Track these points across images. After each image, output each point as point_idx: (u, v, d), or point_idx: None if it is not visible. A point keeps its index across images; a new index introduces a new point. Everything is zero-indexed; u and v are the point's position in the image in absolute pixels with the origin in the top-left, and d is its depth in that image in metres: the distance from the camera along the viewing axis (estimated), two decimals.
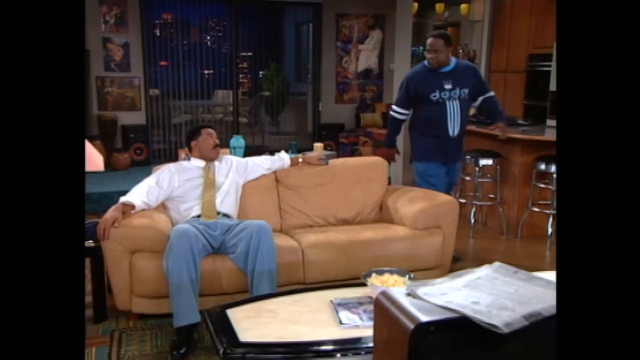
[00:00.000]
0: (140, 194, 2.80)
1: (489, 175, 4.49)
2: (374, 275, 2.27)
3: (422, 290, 1.13)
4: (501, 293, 1.13)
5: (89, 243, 2.61)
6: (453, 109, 3.43)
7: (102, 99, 6.22)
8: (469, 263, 3.87)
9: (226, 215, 2.93)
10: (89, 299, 2.79)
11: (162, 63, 7.33)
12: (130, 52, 6.24)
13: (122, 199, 2.74)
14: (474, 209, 4.50)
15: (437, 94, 3.40)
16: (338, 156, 6.51)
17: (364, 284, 2.24)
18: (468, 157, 4.41)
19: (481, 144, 4.59)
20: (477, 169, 4.40)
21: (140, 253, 2.60)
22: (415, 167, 3.64)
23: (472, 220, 4.47)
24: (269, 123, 8.75)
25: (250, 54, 8.82)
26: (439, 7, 5.78)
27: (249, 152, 7.26)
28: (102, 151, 5.90)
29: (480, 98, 3.61)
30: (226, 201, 2.98)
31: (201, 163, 3.04)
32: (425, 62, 3.48)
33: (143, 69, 6.38)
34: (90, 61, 6.04)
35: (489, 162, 4.32)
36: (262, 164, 3.27)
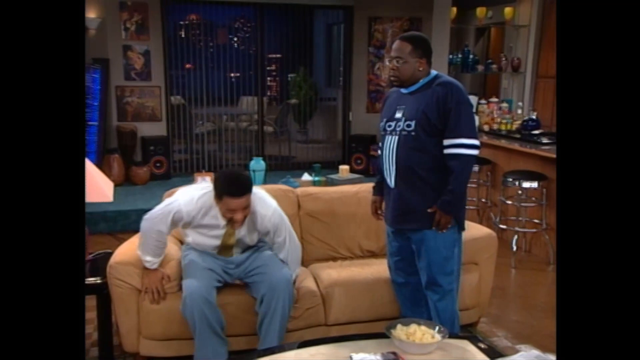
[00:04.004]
0: (155, 253, 2.52)
1: (533, 199, 4.31)
2: (399, 327, 2.16)
3: None
4: None
5: (96, 279, 2.59)
6: (389, 147, 2.48)
7: (121, 110, 6.30)
8: (510, 299, 3.71)
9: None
10: (95, 336, 2.79)
11: (187, 66, 7.40)
12: (151, 60, 6.30)
13: (145, 264, 2.51)
14: (516, 236, 4.32)
15: (384, 123, 2.54)
16: (369, 171, 6.46)
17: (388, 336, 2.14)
18: (510, 179, 4.24)
19: (525, 164, 4.41)
20: (519, 191, 4.23)
21: None
22: None
23: (514, 248, 4.29)
24: (297, 130, 8.72)
25: (279, 55, 8.83)
26: (480, 11, 5.61)
27: (275, 163, 7.24)
28: (120, 165, 5.98)
29: (446, 143, 2.38)
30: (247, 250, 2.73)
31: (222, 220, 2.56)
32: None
33: (164, 77, 6.43)
34: (110, 70, 6.12)
35: (534, 184, 4.14)
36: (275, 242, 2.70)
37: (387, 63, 2.54)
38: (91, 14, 5.96)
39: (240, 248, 2.67)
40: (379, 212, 2.76)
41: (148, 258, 2.50)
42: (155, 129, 6.39)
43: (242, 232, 2.57)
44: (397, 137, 2.45)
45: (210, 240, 2.58)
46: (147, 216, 2.52)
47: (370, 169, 6.59)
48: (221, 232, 2.55)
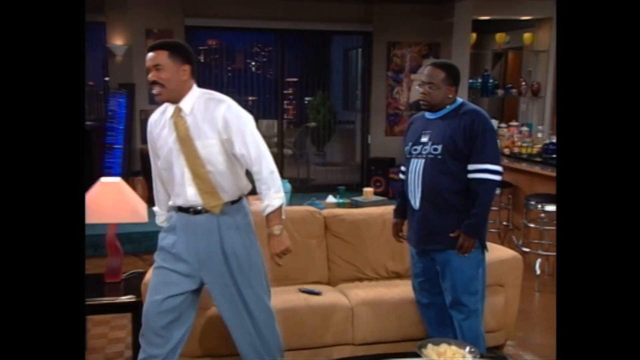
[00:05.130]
0: (159, 200, 2.44)
1: (555, 222, 4.34)
2: (430, 346, 2.21)
3: None
4: None
5: (130, 298, 2.68)
6: (415, 170, 2.58)
7: (145, 133, 6.45)
8: (535, 322, 3.73)
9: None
10: (128, 353, 2.87)
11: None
12: None
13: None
14: (539, 259, 4.34)
15: (409, 146, 2.66)
16: (389, 192, 6.53)
17: (419, 355, 2.19)
18: (532, 202, 4.29)
19: (546, 188, 4.47)
20: (541, 214, 4.27)
21: None
22: None
23: (538, 271, 4.32)
24: (315, 153, 8.85)
25: (295, 79, 9.02)
26: (499, 36, 5.74)
27: (293, 185, 7.37)
28: (144, 187, 6.12)
29: (472, 168, 2.48)
30: (212, 178, 2.23)
31: (169, 108, 2.26)
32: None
33: None
34: (135, 95, 6.31)
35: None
36: (252, 157, 2.25)
37: (417, 87, 2.64)
38: (118, 41, 6.19)
39: (221, 191, 2.25)
40: (400, 234, 2.85)
41: (155, 208, 2.45)
42: None
43: (190, 119, 2.21)
44: (423, 161, 2.56)
45: (166, 136, 2.24)
46: None
47: (390, 192, 6.67)
48: (171, 120, 2.23)
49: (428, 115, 2.62)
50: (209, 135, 2.19)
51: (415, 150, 2.61)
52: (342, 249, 3.29)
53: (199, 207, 2.25)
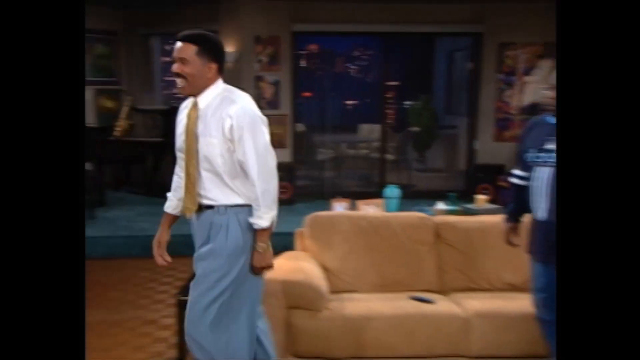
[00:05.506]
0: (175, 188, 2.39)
1: None
2: None
3: None
4: None
5: None
6: (540, 179, 2.46)
7: None
8: None
9: (209, 207, 2.23)
10: None
11: (306, 94, 7.76)
12: (280, 90, 6.68)
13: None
14: None
15: (532, 154, 2.52)
16: (498, 200, 6.26)
17: None
18: None
19: None
20: None
21: (298, 310, 2.71)
22: None
23: None
24: (416, 159, 8.71)
25: (396, 83, 8.95)
26: None
27: None
28: None
29: None
30: (209, 177, 2.20)
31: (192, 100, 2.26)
32: None
33: (291, 105, 6.78)
34: None
35: None
36: (248, 169, 2.16)
37: (544, 91, 2.51)
38: (229, 48, 6.49)
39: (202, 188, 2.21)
40: (514, 239, 2.76)
41: (169, 193, 2.40)
42: (281, 155, 6.65)
43: (202, 114, 2.18)
44: (550, 169, 2.43)
45: (183, 126, 2.25)
46: None
47: (499, 200, 6.39)
48: (188, 112, 2.25)
49: (553, 120, 2.46)
50: (213, 134, 2.13)
51: (540, 157, 2.48)
52: (454, 257, 3.20)
53: None
